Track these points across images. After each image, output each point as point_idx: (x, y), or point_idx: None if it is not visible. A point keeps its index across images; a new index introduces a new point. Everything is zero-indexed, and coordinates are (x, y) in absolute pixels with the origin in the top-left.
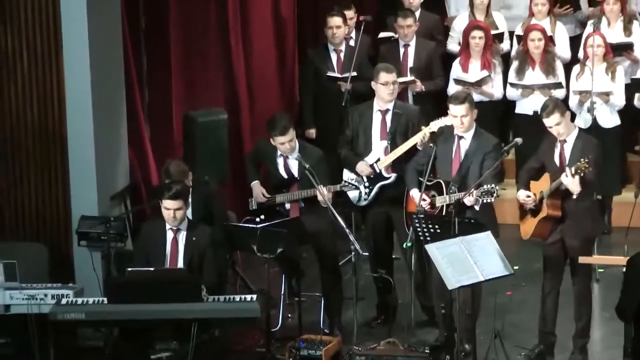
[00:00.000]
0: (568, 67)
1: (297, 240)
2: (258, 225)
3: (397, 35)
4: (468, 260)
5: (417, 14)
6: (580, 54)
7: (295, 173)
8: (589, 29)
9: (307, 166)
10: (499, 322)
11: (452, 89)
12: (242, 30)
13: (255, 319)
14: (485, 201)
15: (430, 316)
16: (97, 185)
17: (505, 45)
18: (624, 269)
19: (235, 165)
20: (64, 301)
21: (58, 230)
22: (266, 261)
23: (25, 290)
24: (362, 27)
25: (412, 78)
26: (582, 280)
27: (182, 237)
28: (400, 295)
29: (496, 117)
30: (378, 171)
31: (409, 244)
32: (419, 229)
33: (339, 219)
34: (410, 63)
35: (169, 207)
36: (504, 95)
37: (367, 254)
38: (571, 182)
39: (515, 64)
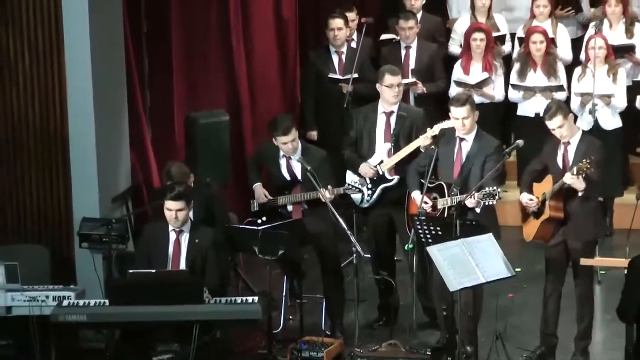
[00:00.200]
0: (570, 70)
1: (298, 242)
2: (260, 227)
3: (398, 38)
4: (470, 263)
5: (419, 16)
6: (582, 56)
7: (299, 175)
8: (590, 31)
9: (309, 168)
10: (501, 324)
11: (454, 91)
12: (243, 32)
13: (257, 321)
14: (487, 204)
15: (432, 318)
16: (98, 187)
17: (506, 48)
18: (626, 271)
19: (237, 167)
20: (65, 303)
21: (60, 232)
22: (268, 263)
23: (27, 292)
24: (364, 30)
25: (414, 80)
26: (584, 283)
27: (184, 239)
28: (403, 297)
29: (498, 119)
30: (381, 173)
31: (410, 246)
32: (420, 231)
33: (341, 220)
34: (412, 65)
35: (171, 208)
36: (506, 98)
37: (369, 256)
38: (575, 182)
39: (517, 67)
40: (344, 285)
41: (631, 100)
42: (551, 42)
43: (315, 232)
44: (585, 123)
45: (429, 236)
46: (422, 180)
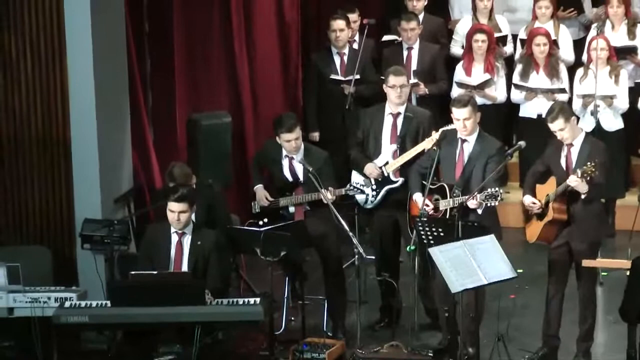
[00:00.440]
0: (572, 71)
1: (300, 243)
2: (261, 229)
3: (400, 39)
4: (471, 264)
5: (421, 17)
6: (584, 57)
7: (300, 176)
8: (592, 32)
9: (310, 169)
10: (503, 325)
11: (455, 92)
12: (245, 33)
13: (258, 322)
14: (489, 205)
15: (434, 319)
16: (100, 188)
17: (508, 49)
18: (629, 270)
19: (238, 168)
20: (67, 304)
21: (62, 233)
22: (269, 264)
23: (29, 293)
24: (366, 31)
25: (416, 81)
26: (587, 284)
27: (187, 241)
28: (405, 298)
29: (500, 120)
30: (386, 174)
31: (412, 247)
32: (422, 232)
33: (342, 222)
34: (414, 66)
35: (173, 209)
36: (508, 99)
37: (371, 257)
38: (578, 184)
39: (519, 68)
40: (345, 286)
41: (633, 101)
42: (553, 44)
43: (317, 233)
44: (586, 124)
45: (430, 237)
46: (424, 182)
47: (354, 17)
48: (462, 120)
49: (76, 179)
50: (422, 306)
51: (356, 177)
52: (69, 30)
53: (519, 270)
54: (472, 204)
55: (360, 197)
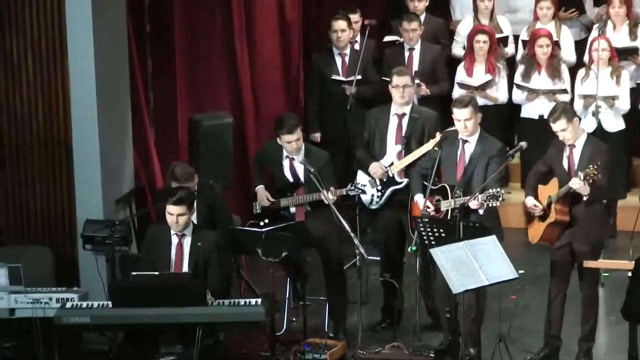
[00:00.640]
0: (573, 71)
1: (301, 243)
2: (262, 229)
3: (402, 39)
4: (473, 264)
5: (422, 17)
6: (586, 58)
7: (301, 176)
8: (594, 32)
9: (311, 170)
10: (504, 326)
11: (457, 93)
12: (247, 33)
13: (259, 322)
14: (490, 205)
15: (435, 320)
16: (102, 189)
17: (509, 49)
18: (632, 270)
19: (239, 169)
20: (68, 305)
21: (63, 234)
22: (271, 265)
23: (30, 294)
24: (367, 31)
25: (417, 82)
26: (589, 285)
27: (187, 242)
28: (406, 298)
29: (501, 121)
30: (391, 175)
31: (414, 248)
32: (423, 233)
33: (344, 222)
34: (415, 67)
35: (172, 212)
36: (509, 99)
37: (371, 257)
38: (581, 187)
39: (521, 68)
40: (346, 287)
41: (634, 102)
42: (555, 45)
43: (318, 233)
44: (588, 125)
45: (431, 238)
46: (425, 182)
47: (355, 17)
48: (463, 120)
49: (77, 180)
50: (423, 307)
51: (362, 178)
52: (70, 31)
53: (520, 271)
54: (473, 204)
55: (365, 198)
